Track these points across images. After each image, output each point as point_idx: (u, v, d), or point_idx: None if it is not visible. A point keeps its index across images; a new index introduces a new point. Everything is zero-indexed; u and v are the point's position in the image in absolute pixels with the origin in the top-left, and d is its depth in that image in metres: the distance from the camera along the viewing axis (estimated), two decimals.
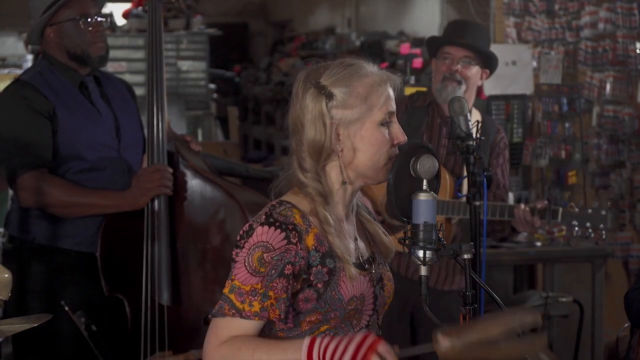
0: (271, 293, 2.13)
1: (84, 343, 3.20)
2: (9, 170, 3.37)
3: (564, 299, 5.20)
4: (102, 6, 3.55)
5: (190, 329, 3.37)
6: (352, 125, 2.22)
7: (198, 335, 3.34)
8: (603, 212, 3.58)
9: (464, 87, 3.71)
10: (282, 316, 2.15)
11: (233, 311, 2.13)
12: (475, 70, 3.74)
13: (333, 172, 2.25)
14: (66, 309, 3.19)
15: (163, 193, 3.35)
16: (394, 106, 2.26)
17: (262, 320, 2.14)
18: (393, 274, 2.40)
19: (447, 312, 2.68)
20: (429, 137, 3.74)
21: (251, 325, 2.14)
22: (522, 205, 3.57)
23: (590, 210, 3.59)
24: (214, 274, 3.37)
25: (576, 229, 3.58)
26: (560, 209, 3.59)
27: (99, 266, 3.37)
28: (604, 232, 3.58)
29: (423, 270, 2.16)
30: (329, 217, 2.21)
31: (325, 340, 2.07)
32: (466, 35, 3.76)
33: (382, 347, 2.05)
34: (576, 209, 3.58)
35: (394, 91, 2.27)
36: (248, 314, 2.13)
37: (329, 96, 2.21)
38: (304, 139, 2.23)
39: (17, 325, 2.50)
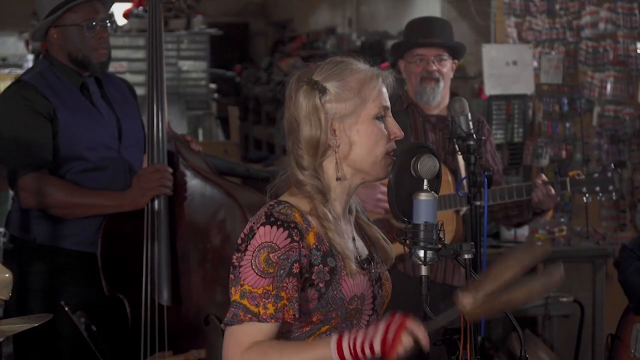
0: (283, 294, 2.12)
1: (85, 343, 3.20)
2: (9, 171, 3.38)
3: (564, 299, 5.20)
4: (108, 10, 3.54)
5: (191, 329, 3.37)
6: (347, 118, 2.23)
7: (198, 335, 3.34)
8: (609, 174, 3.59)
9: (442, 84, 3.74)
10: (296, 316, 2.14)
11: (249, 316, 2.12)
12: (449, 65, 3.78)
13: (330, 168, 2.25)
14: (66, 309, 3.19)
15: (163, 193, 3.35)
16: (388, 101, 2.27)
17: (278, 322, 2.13)
18: (403, 276, 2.40)
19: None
20: (415, 138, 3.75)
21: (269, 328, 2.13)
22: (539, 181, 3.59)
23: (596, 174, 3.60)
24: (214, 274, 3.36)
25: (587, 195, 3.60)
26: (568, 179, 3.61)
27: (100, 266, 3.37)
28: (614, 194, 3.60)
29: (423, 270, 2.16)
30: (328, 214, 2.21)
31: (354, 332, 2.08)
32: (434, 33, 3.78)
33: (411, 324, 2.05)
34: (582, 176, 3.59)
35: (387, 88, 2.28)
36: (264, 317, 2.12)
37: (322, 91, 2.22)
38: (301, 136, 2.23)
39: (17, 325, 2.50)
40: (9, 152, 3.37)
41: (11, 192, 3.70)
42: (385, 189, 3.51)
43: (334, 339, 2.08)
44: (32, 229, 3.43)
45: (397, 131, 2.26)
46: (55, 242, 3.42)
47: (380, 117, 2.24)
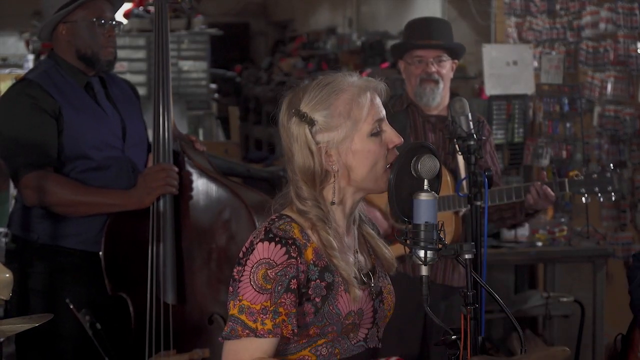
0: (281, 309, 2.13)
1: (88, 342, 3.21)
2: (13, 169, 3.38)
3: (565, 299, 5.21)
4: (117, 11, 3.55)
5: (195, 328, 3.38)
6: (341, 144, 2.20)
7: (202, 334, 3.35)
8: (608, 175, 3.58)
9: (441, 85, 3.74)
10: (294, 331, 2.15)
11: (247, 331, 2.13)
12: (448, 66, 3.78)
13: (330, 194, 2.24)
14: (71, 307, 3.19)
15: (168, 192, 3.35)
16: (382, 112, 2.24)
17: (276, 337, 2.13)
18: (404, 277, 2.40)
19: (458, 311, 2.69)
20: (415, 138, 3.75)
21: (267, 344, 2.14)
22: (538, 183, 3.58)
23: (595, 175, 3.59)
24: (219, 273, 3.37)
25: (586, 196, 3.59)
26: (566, 180, 3.60)
27: (103, 265, 3.38)
28: (612, 194, 3.60)
29: (424, 271, 2.17)
30: (332, 241, 2.20)
31: None
32: (433, 35, 3.77)
33: None
34: (581, 177, 3.59)
35: (380, 96, 2.24)
36: (262, 332, 2.12)
37: (311, 123, 2.20)
38: (296, 166, 2.23)
39: (18, 325, 2.51)
40: (14, 150, 3.37)
41: (12, 192, 3.70)
42: (378, 213, 3.52)
43: None
44: (34, 229, 3.44)
45: (395, 139, 2.24)
46: (58, 242, 3.43)
47: (375, 133, 2.22)
